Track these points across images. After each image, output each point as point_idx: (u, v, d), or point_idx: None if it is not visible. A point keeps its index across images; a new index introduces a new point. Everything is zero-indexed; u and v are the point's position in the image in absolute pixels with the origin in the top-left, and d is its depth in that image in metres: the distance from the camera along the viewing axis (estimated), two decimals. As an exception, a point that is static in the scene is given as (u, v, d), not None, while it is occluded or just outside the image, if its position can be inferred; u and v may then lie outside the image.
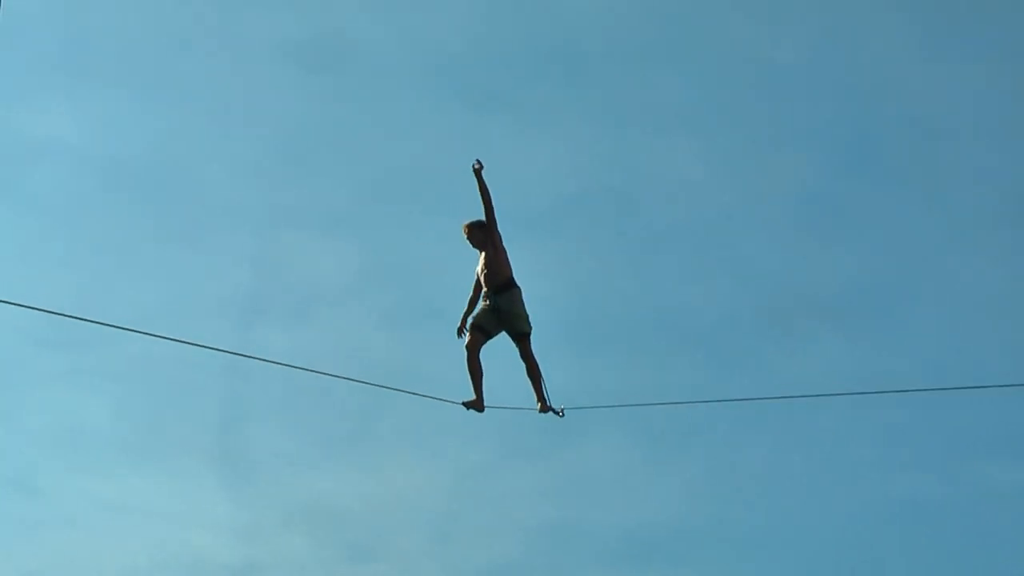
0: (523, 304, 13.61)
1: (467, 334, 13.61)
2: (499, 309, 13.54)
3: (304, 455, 25.55)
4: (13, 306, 10.45)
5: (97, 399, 26.22)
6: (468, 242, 13.63)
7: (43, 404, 26.07)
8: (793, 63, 29.68)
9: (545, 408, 13.62)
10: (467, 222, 13.60)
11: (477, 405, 13.48)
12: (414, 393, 13.23)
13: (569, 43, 29.25)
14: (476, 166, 13.19)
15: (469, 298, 13.77)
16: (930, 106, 29.46)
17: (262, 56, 29.10)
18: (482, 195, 13.32)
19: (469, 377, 13.51)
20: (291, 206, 27.91)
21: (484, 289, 13.65)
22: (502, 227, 13.61)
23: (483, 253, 13.64)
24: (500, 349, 13.76)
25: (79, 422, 26.09)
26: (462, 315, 13.74)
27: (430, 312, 24.18)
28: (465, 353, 13.56)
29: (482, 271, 13.64)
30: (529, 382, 13.63)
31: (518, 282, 13.67)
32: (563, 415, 13.63)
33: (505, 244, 13.66)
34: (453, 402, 13.46)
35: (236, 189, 28.26)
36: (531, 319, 13.65)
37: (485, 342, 13.60)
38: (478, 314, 13.62)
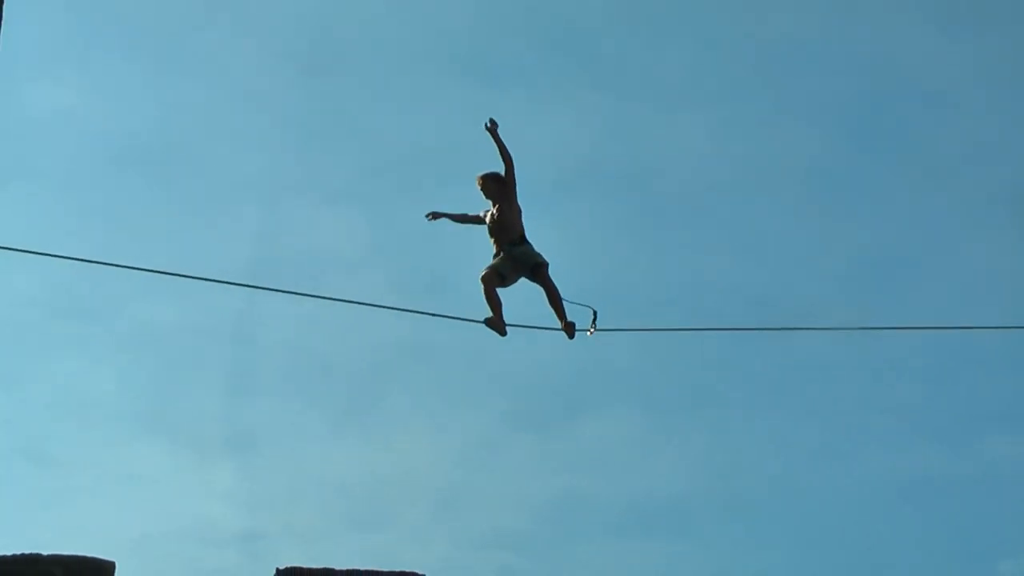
0: (535, 249, 13.64)
1: (487, 269, 13.55)
2: (514, 257, 13.58)
3: (311, 426, 25.72)
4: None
5: (106, 369, 26.40)
6: (481, 193, 13.73)
7: (53, 374, 26.25)
8: (801, 37, 29.75)
9: (570, 326, 13.50)
10: (481, 173, 13.70)
11: (498, 325, 13.42)
12: (435, 314, 13.10)
13: (577, 16, 29.34)
14: (489, 125, 13.27)
15: (462, 214, 13.81)
16: (938, 81, 29.54)
17: (270, 31, 29.20)
18: (501, 154, 13.38)
19: (488, 305, 13.45)
20: (300, 179, 28.07)
21: (496, 245, 13.65)
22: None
23: (496, 206, 13.69)
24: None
25: (89, 392, 26.28)
26: (444, 211, 13.77)
27: (438, 283, 24.29)
28: (482, 286, 13.53)
29: (494, 224, 13.69)
30: (552, 310, 13.55)
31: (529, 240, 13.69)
32: (594, 330, 13.52)
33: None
34: (475, 320, 13.38)
35: (245, 162, 28.40)
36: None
37: (500, 284, 13.56)
38: (495, 264, 13.61)
